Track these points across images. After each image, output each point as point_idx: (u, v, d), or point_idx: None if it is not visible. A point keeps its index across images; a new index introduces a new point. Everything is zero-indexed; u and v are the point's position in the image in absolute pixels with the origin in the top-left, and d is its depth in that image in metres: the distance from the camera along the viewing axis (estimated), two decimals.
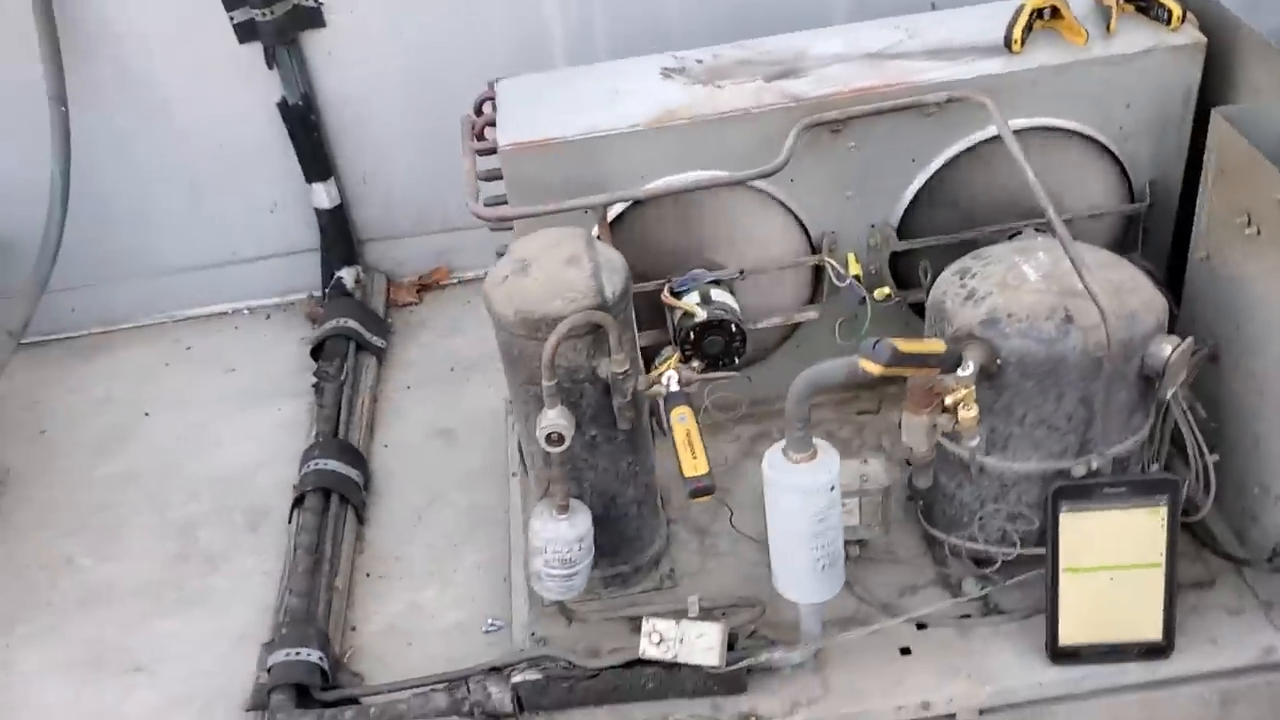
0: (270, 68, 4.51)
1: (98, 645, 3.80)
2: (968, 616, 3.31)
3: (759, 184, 3.53)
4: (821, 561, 2.92)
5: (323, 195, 4.81)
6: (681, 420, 2.79)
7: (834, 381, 2.72)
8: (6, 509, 4.32)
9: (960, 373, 2.68)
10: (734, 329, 3.48)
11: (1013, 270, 3.05)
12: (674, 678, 3.16)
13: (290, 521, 4.02)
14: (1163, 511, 3.00)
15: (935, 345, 2.65)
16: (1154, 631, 3.12)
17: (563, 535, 3.11)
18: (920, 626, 3.29)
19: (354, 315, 4.75)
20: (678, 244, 3.62)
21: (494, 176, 3.69)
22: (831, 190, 3.61)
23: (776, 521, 2.88)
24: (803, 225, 3.67)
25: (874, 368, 2.48)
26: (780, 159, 3.34)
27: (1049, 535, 3.03)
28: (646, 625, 3.10)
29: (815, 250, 3.69)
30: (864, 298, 3.69)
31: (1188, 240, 3.53)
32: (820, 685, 3.20)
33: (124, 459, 4.49)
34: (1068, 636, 3.13)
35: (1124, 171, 3.70)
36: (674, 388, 2.90)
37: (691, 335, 3.40)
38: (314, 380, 4.50)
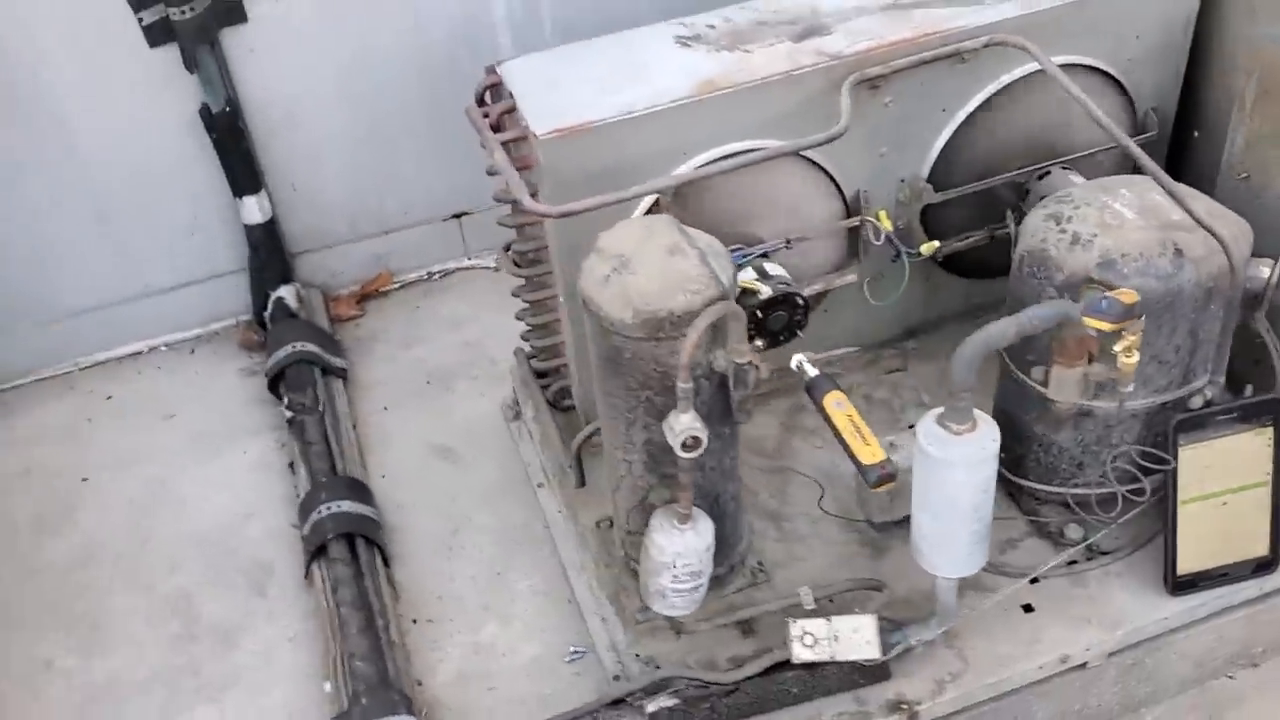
0: (191, 71, 3.97)
1: None
2: (1074, 563, 3.30)
3: (801, 150, 3.37)
4: (978, 534, 2.82)
5: (254, 209, 4.31)
6: (839, 406, 2.61)
7: (1004, 343, 2.61)
8: None
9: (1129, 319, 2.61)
10: (799, 301, 3.33)
11: (1106, 210, 3.01)
12: (818, 678, 3.00)
13: (308, 577, 3.60)
14: (1269, 431, 3.06)
15: (1131, 295, 2.57)
16: (1262, 548, 3.18)
17: (692, 546, 2.88)
18: (1031, 580, 3.26)
19: (308, 337, 4.30)
20: (713, 221, 3.40)
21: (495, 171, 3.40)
22: (866, 148, 3.48)
23: (934, 497, 2.75)
24: (838, 187, 3.53)
25: (1106, 324, 2.38)
26: (843, 121, 3.18)
27: (1169, 469, 3.04)
28: (794, 628, 2.91)
29: (851, 211, 3.56)
30: (897, 255, 3.60)
31: (1181, 165, 3.63)
32: (958, 659, 3.12)
33: (75, 535, 3.91)
34: (1185, 566, 3.16)
35: (1130, 103, 3.74)
36: (812, 371, 2.71)
37: (757, 313, 3.22)
38: (288, 414, 4.04)
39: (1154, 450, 3.04)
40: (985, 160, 3.64)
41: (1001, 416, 3.23)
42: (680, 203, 3.29)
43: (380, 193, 4.57)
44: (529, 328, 3.84)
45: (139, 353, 4.57)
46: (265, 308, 4.50)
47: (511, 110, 3.28)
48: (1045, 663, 3.13)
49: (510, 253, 3.65)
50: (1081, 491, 3.22)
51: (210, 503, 3.96)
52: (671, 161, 3.29)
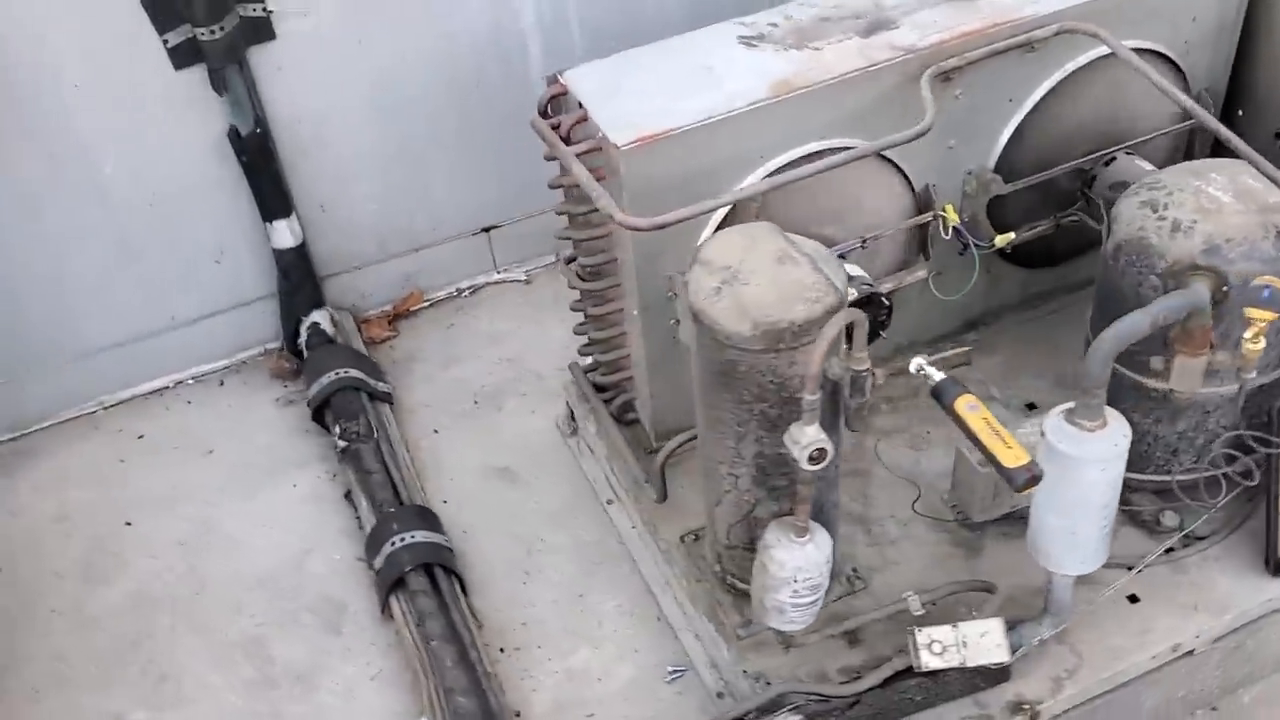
0: (220, 93, 3.81)
1: None
2: (1171, 550, 3.28)
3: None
4: (1106, 530, 2.79)
5: (285, 233, 4.15)
6: (973, 409, 2.55)
7: (1139, 336, 2.57)
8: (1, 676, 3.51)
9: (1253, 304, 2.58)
10: (884, 302, 3.28)
11: (1202, 195, 2.98)
12: (940, 684, 2.95)
13: (385, 611, 3.48)
14: None
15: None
16: None
17: (813, 559, 2.81)
18: (1127, 568, 3.23)
19: (351, 362, 4.15)
20: (788, 224, 3.30)
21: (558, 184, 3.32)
22: (936, 141, 3.41)
23: (1065, 495, 2.70)
24: (909, 182, 3.48)
25: (1271, 314, 2.34)
26: (928, 115, 3.12)
27: (1274, 451, 3.02)
28: (921, 637, 2.85)
29: (920, 206, 3.51)
30: (965, 248, 3.56)
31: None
32: (1072, 654, 3.08)
33: (126, 581, 3.74)
34: None
35: (1186, 84, 3.73)
36: (937, 375, 2.65)
37: None
38: (341, 444, 3.90)
39: (1258, 433, 3.03)
40: (1050, 149, 3.61)
41: None
42: (751, 212, 3.22)
43: (409, 210, 4.44)
44: (589, 342, 3.75)
45: (165, 388, 4.39)
46: (297, 334, 4.35)
47: (583, 120, 3.18)
48: (1158, 653, 3.11)
49: (573, 266, 3.56)
50: (1187, 477, 3.18)
51: (264, 540, 3.81)
52: (748, 166, 3.22)
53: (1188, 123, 3.72)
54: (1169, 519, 3.27)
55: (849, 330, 2.63)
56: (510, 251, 4.73)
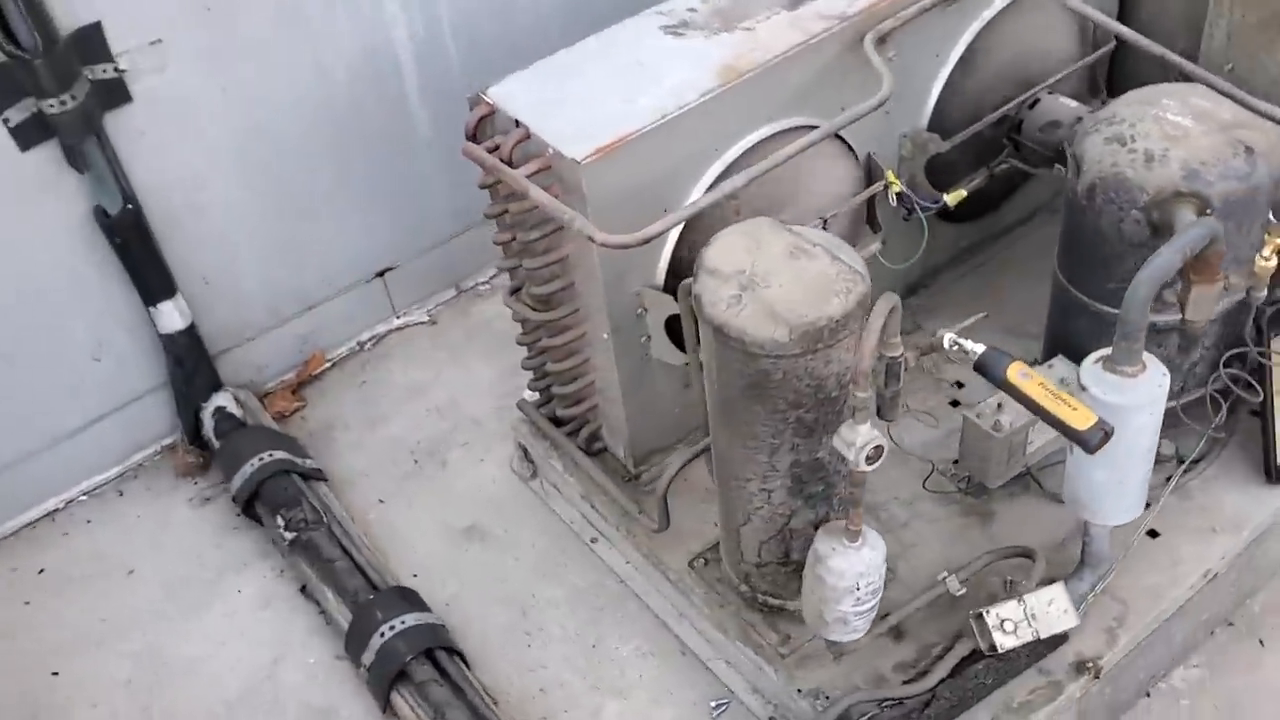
0: (80, 170, 3.35)
1: None
2: (1169, 479, 3.28)
3: (820, 123, 3.18)
4: (1147, 474, 2.74)
5: (173, 315, 3.71)
6: (1026, 376, 2.44)
7: (1172, 272, 2.53)
8: None
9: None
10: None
11: (1164, 123, 2.96)
12: (1007, 662, 2.85)
13: (387, 710, 3.14)
14: None
15: None
16: None
17: (872, 562, 2.65)
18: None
19: (272, 443, 3.76)
20: (746, 216, 3.18)
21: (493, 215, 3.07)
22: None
23: (1114, 447, 2.59)
24: (854, 154, 3.37)
25: None
26: (885, 81, 3.00)
27: (1264, 366, 3.05)
28: (990, 619, 2.74)
29: (871, 177, 3.41)
30: (910, 213, 3.48)
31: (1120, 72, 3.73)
32: (1114, 601, 3.04)
33: None
34: None
35: (1085, 25, 3.75)
36: (977, 347, 2.53)
37: None
38: (289, 535, 3.50)
39: (1250, 348, 3.05)
40: (976, 101, 3.57)
41: (1066, 348, 3.22)
42: (712, 207, 3.04)
43: (299, 266, 4.06)
44: (540, 375, 3.49)
45: (57, 510, 3.87)
46: (199, 424, 3.91)
47: (525, 139, 2.93)
48: (1192, 582, 3.10)
49: (521, 298, 3.29)
50: (1190, 400, 3.17)
51: (224, 658, 3.40)
52: (704, 161, 3.03)
53: (1098, 53, 3.77)
54: (1165, 448, 3.27)
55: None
56: (408, 293, 4.41)
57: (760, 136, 3.08)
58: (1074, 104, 3.57)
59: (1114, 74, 3.95)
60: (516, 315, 3.37)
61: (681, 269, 3.12)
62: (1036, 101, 3.59)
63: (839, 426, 2.48)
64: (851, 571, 2.64)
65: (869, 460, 2.46)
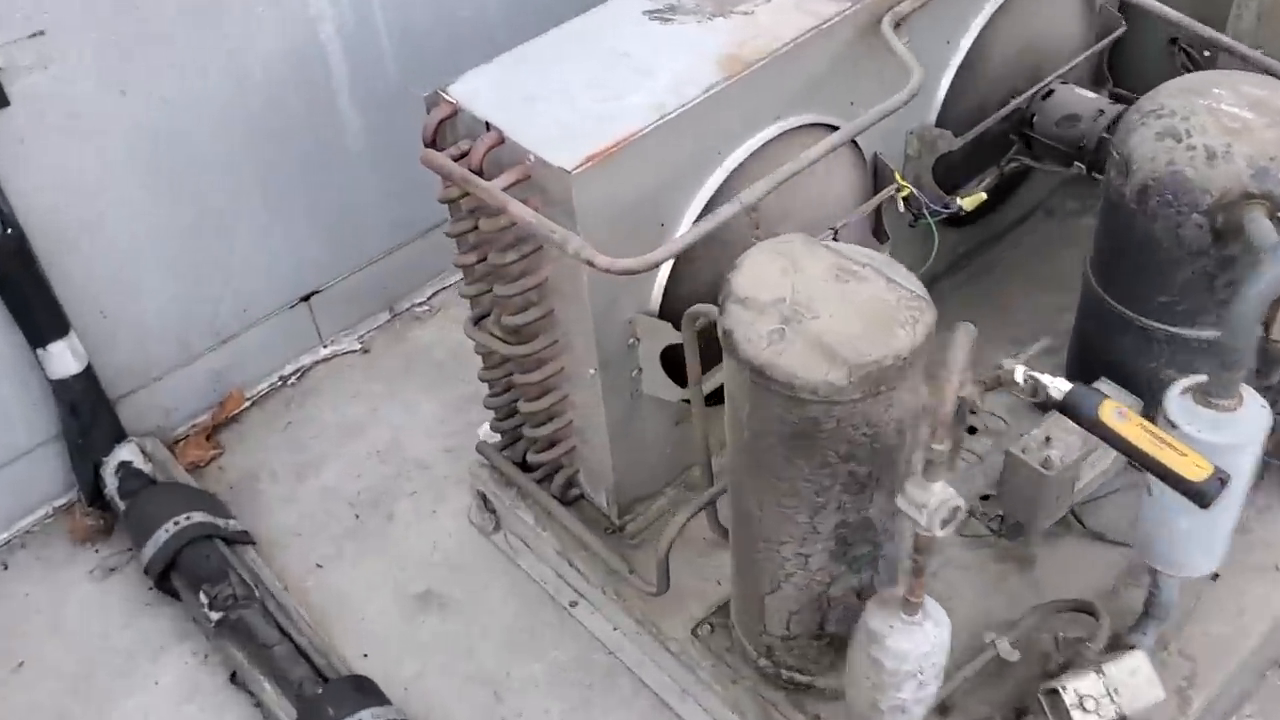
0: None
1: None
2: None
3: (832, 120, 2.78)
4: (1235, 519, 2.39)
5: (65, 357, 3.13)
6: (1123, 417, 2.05)
7: None
8: None
9: None
10: None
11: (1220, 114, 2.61)
12: None
13: None
14: None
15: None
16: None
17: (937, 640, 2.24)
18: None
19: (189, 503, 3.21)
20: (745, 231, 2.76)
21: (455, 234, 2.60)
22: (880, 102, 2.93)
23: None
24: (861, 154, 2.97)
25: None
26: (915, 69, 2.60)
27: None
28: (1067, 696, 2.37)
29: (879, 180, 3.01)
30: (916, 218, 3.10)
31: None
32: (1182, 659, 2.69)
33: None
34: None
35: (1090, 5, 3.42)
36: (1062, 385, 2.13)
37: None
38: (215, 616, 2.96)
39: None
40: (985, 93, 3.21)
41: (1105, 369, 2.88)
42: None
43: (213, 293, 3.51)
44: (506, 414, 3.03)
45: None
46: (99, 482, 3.34)
47: (499, 144, 2.45)
48: (1261, 629, 2.77)
49: (486, 327, 2.81)
50: None
51: None
52: (706, 166, 2.60)
53: (1110, 37, 3.44)
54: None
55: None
56: (336, 318, 3.88)
57: (768, 136, 2.66)
58: (1092, 95, 3.23)
59: (1113, 60, 3.65)
60: (480, 348, 2.90)
61: (678, 292, 2.69)
62: (1050, 92, 3.24)
63: (903, 483, 2.06)
64: (915, 653, 2.22)
65: (944, 524, 2.06)
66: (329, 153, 3.55)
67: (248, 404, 3.73)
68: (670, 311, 2.69)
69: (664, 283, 2.66)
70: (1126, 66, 3.64)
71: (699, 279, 2.67)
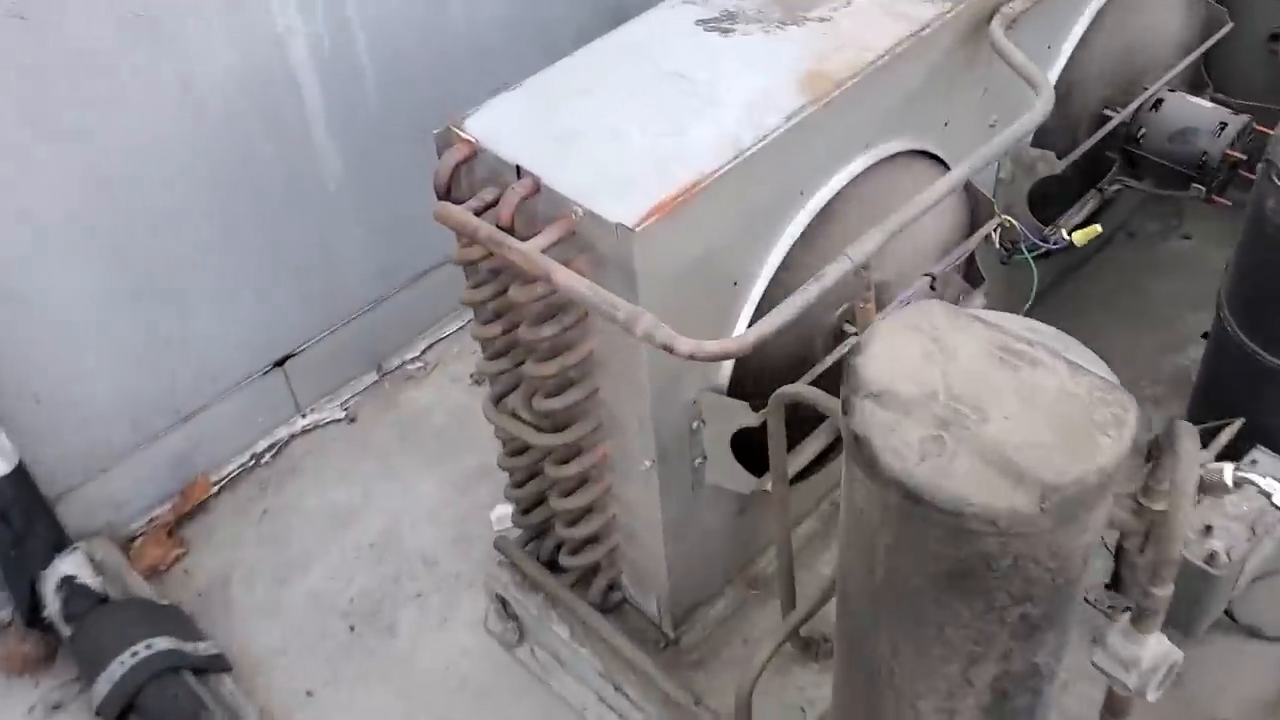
0: None
1: None
2: None
3: (927, 145, 2.28)
4: None
5: None
6: None
7: None
8: None
9: None
10: None
11: None
12: None
13: None
14: None
15: None
16: None
17: None
18: None
19: (150, 626, 2.66)
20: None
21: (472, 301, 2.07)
22: (977, 120, 2.45)
23: None
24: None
25: None
26: (1045, 88, 2.10)
27: None
28: None
29: (979, 213, 2.52)
30: (1009, 254, 2.63)
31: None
32: None
33: None
34: None
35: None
36: None
37: None
38: None
39: None
40: (1084, 107, 2.74)
41: (1256, 433, 2.41)
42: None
43: (169, 363, 2.96)
44: (529, 508, 2.51)
45: None
46: (36, 601, 2.78)
47: (534, 193, 1.93)
48: None
49: (506, 406, 2.29)
50: None
51: None
52: (786, 209, 2.10)
53: (1214, 37, 2.97)
54: None
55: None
56: (315, 384, 3.34)
57: (856, 170, 2.16)
58: (1208, 104, 2.77)
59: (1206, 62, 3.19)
60: (501, 432, 2.38)
61: (750, 363, 2.18)
62: (1159, 102, 2.76)
63: (1104, 635, 1.57)
64: None
65: (1160, 685, 1.56)
66: (302, 193, 3.01)
67: (215, 490, 3.18)
68: (741, 387, 2.19)
69: None
70: (1219, 68, 3.20)
71: (775, 348, 2.16)
